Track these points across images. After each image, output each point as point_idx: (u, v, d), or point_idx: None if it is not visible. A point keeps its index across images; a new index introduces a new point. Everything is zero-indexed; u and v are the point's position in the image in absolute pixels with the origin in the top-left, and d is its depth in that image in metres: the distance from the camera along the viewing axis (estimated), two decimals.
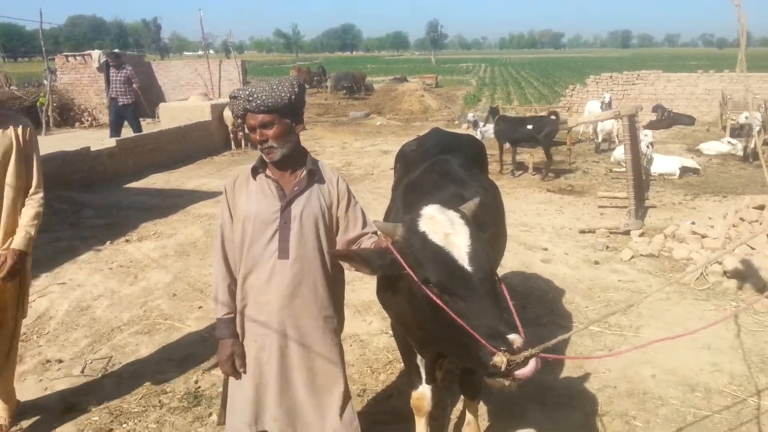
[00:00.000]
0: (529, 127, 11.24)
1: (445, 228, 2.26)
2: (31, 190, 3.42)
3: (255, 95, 2.44)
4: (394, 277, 2.42)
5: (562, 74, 48.59)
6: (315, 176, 2.61)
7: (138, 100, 13.65)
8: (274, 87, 2.48)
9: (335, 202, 2.63)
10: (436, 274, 2.18)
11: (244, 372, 2.63)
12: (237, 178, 2.64)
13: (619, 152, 10.49)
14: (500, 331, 2.04)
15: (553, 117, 11.35)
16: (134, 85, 13.25)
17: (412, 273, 2.23)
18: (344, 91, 28.43)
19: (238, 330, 2.64)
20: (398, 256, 2.28)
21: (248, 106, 2.45)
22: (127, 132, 13.05)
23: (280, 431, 2.62)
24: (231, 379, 2.70)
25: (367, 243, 2.61)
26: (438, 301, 2.14)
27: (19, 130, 3.34)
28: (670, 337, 3.52)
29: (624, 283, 6.03)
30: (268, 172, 2.58)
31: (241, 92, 2.48)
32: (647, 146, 10.36)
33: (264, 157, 2.53)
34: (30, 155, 3.40)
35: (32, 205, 3.40)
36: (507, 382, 2.03)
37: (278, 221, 2.51)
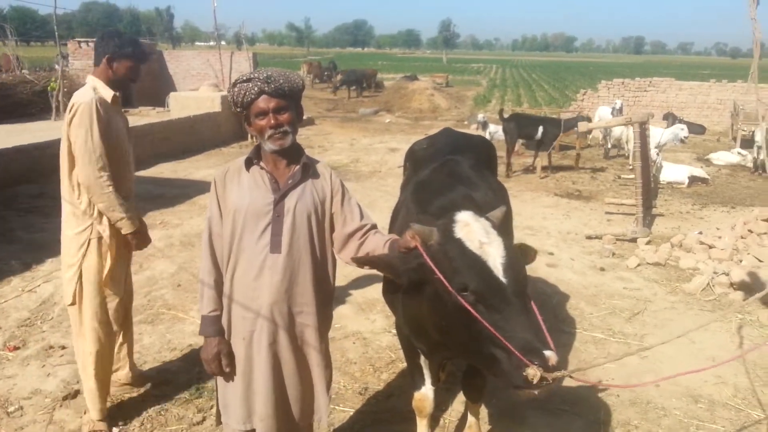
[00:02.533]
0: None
1: (480, 237, 2.22)
2: None
3: (273, 78, 2.40)
4: (416, 280, 2.36)
5: (573, 78, 48.50)
6: (309, 170, 2.56)
7: None
8: (288, 74, 2.47)
9: (329, 197, 2.59)
10: (474, 283, 2.14)
11: (232, 371, 2.58)
12: (228, 171, 2.58)
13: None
14: (535, 346, 2.03)
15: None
16: None
17: (444, 280, 2.17)
18: (354, 87, 28.32)
19: (225, 327, 2.58)
20: (429, 261, 2.22)
21: (266, 89, 2.40)
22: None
23: (268, 430, 2.58)
24: (220, 378, 2.65)
25: (373, 238, 2.57)
26: (472, 310, 2.10)
27: None
28: (697, 370, 3.55)
29: (629, 290, 6.00)
30: (262, 163, 2.53)
31: (256, 74, 2.43)
32: (657, 153, 10.37)
33: (272, 144, 2.45)
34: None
35: None
36: (536, 392, 2.03)
37: (271, 214, 2.46)
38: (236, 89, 2.46)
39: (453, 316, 2.22)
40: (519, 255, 2.30)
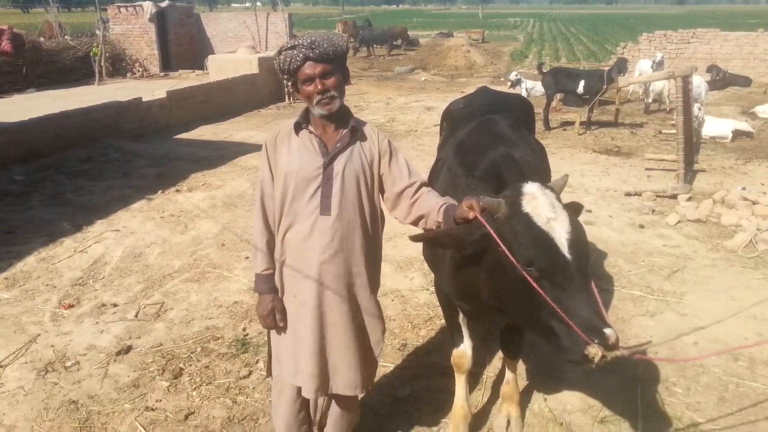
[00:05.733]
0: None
1: (547, 212, 2.22)
2: None
3: (317, 43, 2.40)
4: (478, 250, 2.37)
5: (613, 31, 46.92)
6: (357, 133, 2.59)
7: None
8: (331, 37, 2.47)
9: (376, 159, 2.61)
10: (540, 260, 2.17)
11: (285, 326, 2.67)
12: (278, 134, 2.61)
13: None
14: (597, 324, 2.07)
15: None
16: None
17: (509, 253, 2.19)
18: (375, 46, 28.39)
19: (278, 285, 2.67)
20: (494, 234, 2.22)
21: (311, 54, 2.40)
22: (159, 84, 12.94)
23: (316, 387, 2.66)
24: (273, 331, 2.76)
25: (426, 198, 2.58)
26: (536, 286, 2.14)
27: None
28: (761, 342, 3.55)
29: (669, 248, 5.95)
30: (311, 127, 2.57)
31: (300, 41, 2.44)
32: (699, 108, 10.10)
33: (320, 109, 2.47)
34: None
35: None
36: (593, 365, 2.08)
37: (320, 177, 2.50)
38: (281, 57, 2.47)
39: (514, 287, 2.25)
40: (583, 230, 2.30)
